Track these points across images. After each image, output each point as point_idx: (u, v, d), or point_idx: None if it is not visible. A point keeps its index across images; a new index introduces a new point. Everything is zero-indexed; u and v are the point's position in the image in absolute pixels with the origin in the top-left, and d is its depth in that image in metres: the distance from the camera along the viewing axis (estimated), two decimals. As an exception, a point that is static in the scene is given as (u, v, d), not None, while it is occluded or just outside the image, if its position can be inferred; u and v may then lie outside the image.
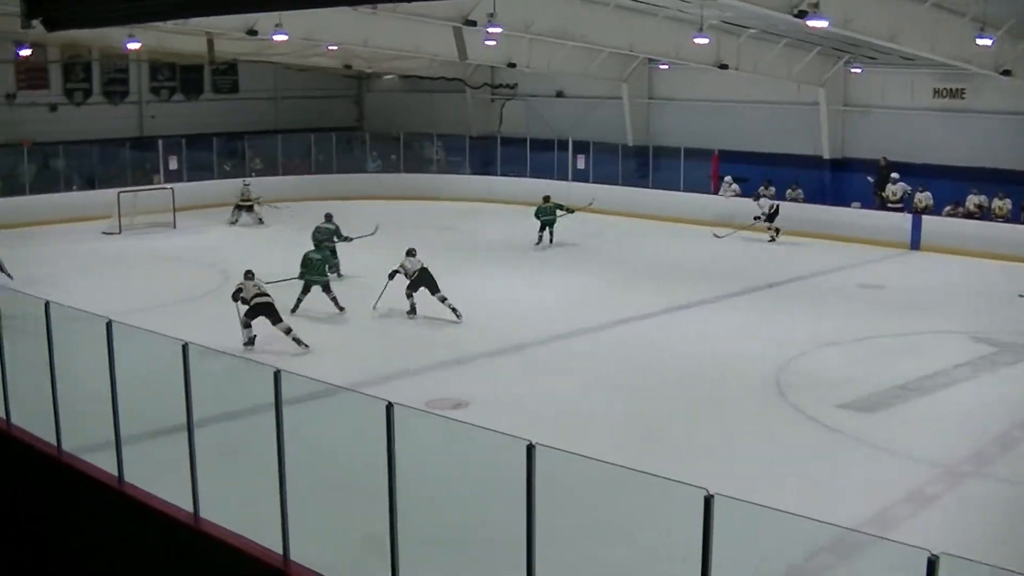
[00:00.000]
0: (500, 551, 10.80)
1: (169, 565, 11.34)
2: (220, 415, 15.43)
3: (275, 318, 22.26)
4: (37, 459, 13.10)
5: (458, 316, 24.41)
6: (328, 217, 30.48)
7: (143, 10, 18.44)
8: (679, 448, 16.35)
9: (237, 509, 11.44)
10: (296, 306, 24.88)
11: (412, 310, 25.05)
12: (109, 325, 11.69)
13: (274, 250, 31.76)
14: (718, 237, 35.58)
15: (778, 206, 36.22)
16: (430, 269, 24.81)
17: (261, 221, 39.17)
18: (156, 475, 11.96)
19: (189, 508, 10.84)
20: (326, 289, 25.39)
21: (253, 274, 22.76)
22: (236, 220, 39.13)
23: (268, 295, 22.50)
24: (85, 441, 13.04)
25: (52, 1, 18.09)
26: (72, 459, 12.75)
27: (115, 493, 11.79)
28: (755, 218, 35.79)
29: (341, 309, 25.31)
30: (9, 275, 26.09)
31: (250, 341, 22.22)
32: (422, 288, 24.63)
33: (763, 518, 7.75)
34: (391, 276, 25.10)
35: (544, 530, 8.13)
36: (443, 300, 24.63)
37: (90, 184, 42.17)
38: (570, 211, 35.00)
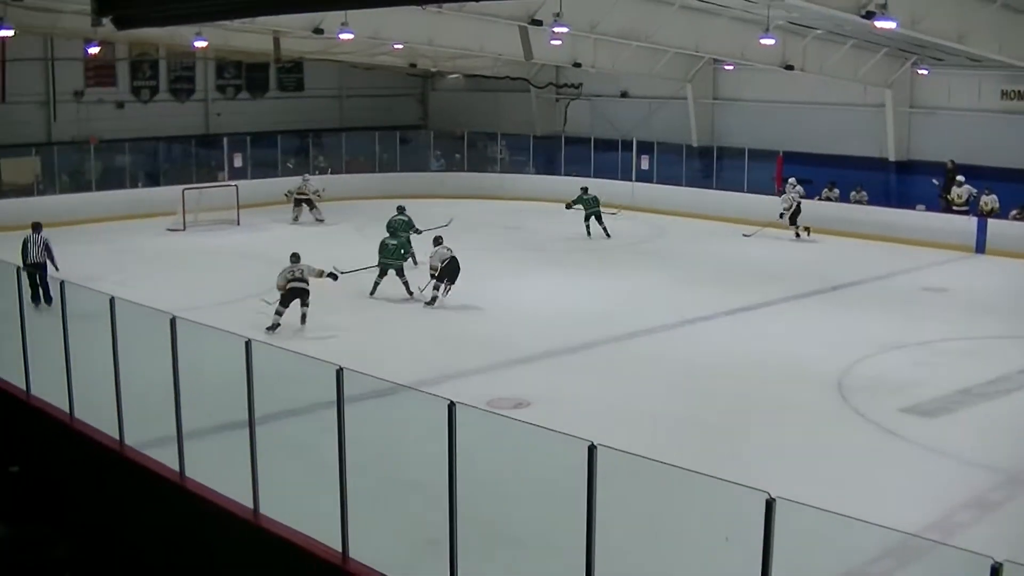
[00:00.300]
0: (559, 551, 10.77)
1: (229, 561, 11.39)
2: (282, 412, 15.52)
3: (305, 302, 23.45)
4: (100, 453, 13.19)
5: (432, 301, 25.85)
6: (401, 209, 31.15)
7: (213, 8, 18.56)
8: (740, 450, 16.25)
9: (297, 506, 11.47)
10: (373, 289, 26.73)
11: (433, 300, 25.87)
12: (173, 321, 11.76)
13: (335, 247, 31.88)
14: (746, 236, 35.73)
15: (798, 204, 36.28)
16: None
17: (321, 220, 39.18)
18: (217, 471, 12.01)
19: (249, 504, 10.88)
20: (399, 273, 26.69)
21: (299, 257, 23.96)
22: (297, 217, 39.18)
23: (304, 281, 23.49)
24: (147, 436, 13.12)
25: (123, 0, 18.25)
26: (135, 454, 12.83)
27: (176, 488, 11.85)
28: (780, 215, 35.81)
29: (411, 294, 26.28)
30: (56, 267, 26.24)
31: (274, 327, 23.08)
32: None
33: (824, 522, 7.68)
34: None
35: (603, 531, 8.09)
36: (447, 292, 25.85)
37: (155, 181, 42.52)
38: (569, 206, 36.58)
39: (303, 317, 23.38)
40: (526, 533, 13.03)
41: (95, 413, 13.75)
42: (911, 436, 17.22)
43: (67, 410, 14.07)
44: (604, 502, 8.03)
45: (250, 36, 37.68)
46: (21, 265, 23.88)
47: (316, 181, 40.95)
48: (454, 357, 21.48)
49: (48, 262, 25.11)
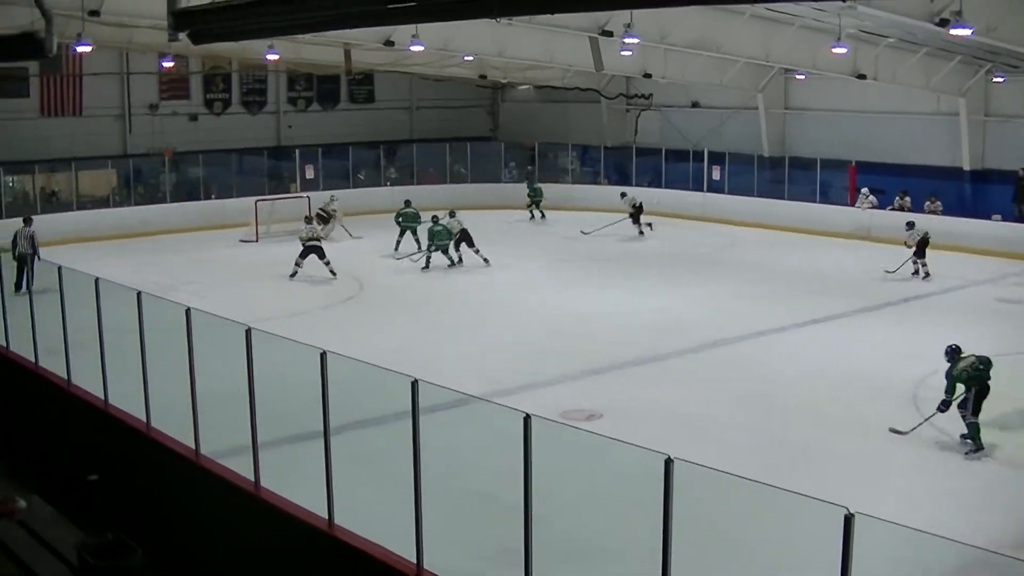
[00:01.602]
0: (633, 565, 10.76)
1: (303, 571, 11.45)
2: (355, 422, 15.61)
3: (321, 256, 30.64)
4: (176, 462, 13.31)
5: (486, 262, 32.10)
6: (408, 203, 35.58)
7: (286, 23, 18.79)
8: (814, 464, 16.13)
9: (370, 516, 11.51)
10: (427, 264, 32.24)
11: (454, 262, 32.47)
12: (248, 332, 11.85)
13: (405, 262, 32.04)
14: (585, 233, 38.30)
15: (641, 203, 38.84)
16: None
17: (351, 235, 38.94)
18: (292, 481, 12.08)
19: (324, 514, 10.93)
20: (444, 251, 32.01)
21: (311, 220, 32.89)
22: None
23: (318, 240, 31.37)
24: (223, 446, 13.23)
25: (199, 15, 18.48)
26: (210, 463, 12.93)
27: (251, 498, 11.93)
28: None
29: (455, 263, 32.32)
30: (39, 257, 26.72)
31: (294, 274, 30.74)
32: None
33: (902, 537, 7.62)
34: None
35: (678, 544, 8.07)
36: (476, 252, 32.37)
37: (228, 193, 42.89)
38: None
39: (330, 271, 30.58)
40: (599, 546, 13.02)
41: (171, 422, 13.88)
42: (989, 450, 17.01)
43: (144, 419, 14.21)
44: (678, 515, 8.01)
45: (321, 49, 37.98)
46: (11, 255, 25.02)
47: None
48: (525, 368, 21.49)
49: (34, 253, 26.79)
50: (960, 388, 17.00)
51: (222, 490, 12.47)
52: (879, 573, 9.45)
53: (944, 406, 17.14)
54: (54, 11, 19.51)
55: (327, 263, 30.60)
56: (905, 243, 31.47)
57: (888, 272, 31.05)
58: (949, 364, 17.20)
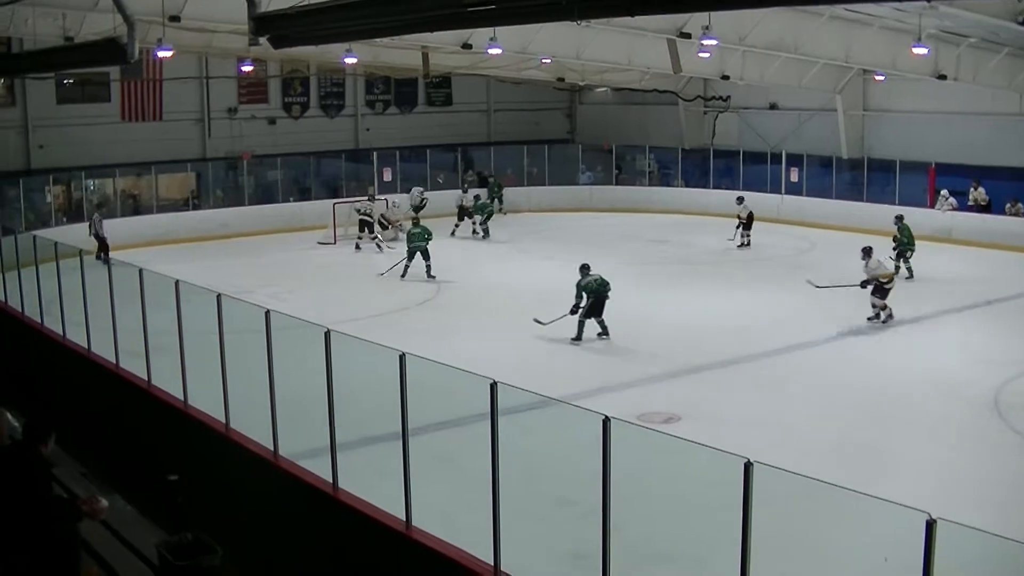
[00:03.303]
0: (711, 570, 10.70)
1: (380, 572, 11.47)
2: (433, 424, 15.64)
3: (362, 229, 36.74)
4: (254, 463, 13.38)
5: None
6: (477, 197, 37.48)
7: (365, 27, 18.87)
8: (893, 469, 16.00)
9: (449, 518, 11.53)
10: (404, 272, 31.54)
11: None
12: (327, 334, 11.90)
13: (483, 260, 32.08)
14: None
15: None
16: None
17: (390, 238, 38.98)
18: (370, 482, 12.11)
19: (402, 516, 10.95)
20: (424, 254, 31.34)
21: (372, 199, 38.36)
22: (362, 239, 38.25)
23: (368, 215, 36.96)
24: (301, 447, 13.29)
25: (279, 20, 18.62)
26: (288, 464, 12.99)
27: (330, 499, 11.97)
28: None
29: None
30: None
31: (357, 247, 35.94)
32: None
33: (985, 544, 7.52)
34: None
35: (756, 549, 7.99)
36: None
37: (306, 195, 43.18)
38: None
39: (376, 245, 35.81)
40: (677, 550, 12.97)
41: (250, 423, 13.96)
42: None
43: (223, 420, 14.31)
44: (757, 519, 7.94)
45: (399, 52, 38.13)
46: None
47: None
48: (602, 371, 21.48)
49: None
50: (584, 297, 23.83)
51: (300, 491, 12.52)
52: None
53: (574, 310, 23.95)
54: (136, 17, 19.76)
55: (374, 237, 36.13)
56: (738, 216, 37.17)
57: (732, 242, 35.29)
58: (580, 277, 24.09)
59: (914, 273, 30.99)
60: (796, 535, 12.39)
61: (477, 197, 39.42)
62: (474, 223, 40.19)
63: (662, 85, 46.18)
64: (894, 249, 30.86)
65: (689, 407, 18.90)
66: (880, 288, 25.45)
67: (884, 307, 25.26)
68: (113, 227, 36.45)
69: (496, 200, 43.60)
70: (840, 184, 42.16)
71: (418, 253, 31.15)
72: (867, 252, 26.01)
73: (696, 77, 45.05)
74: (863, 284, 25.70)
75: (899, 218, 31.78)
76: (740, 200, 38.12)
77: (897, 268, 29.96)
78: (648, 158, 49.19)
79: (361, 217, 38.16)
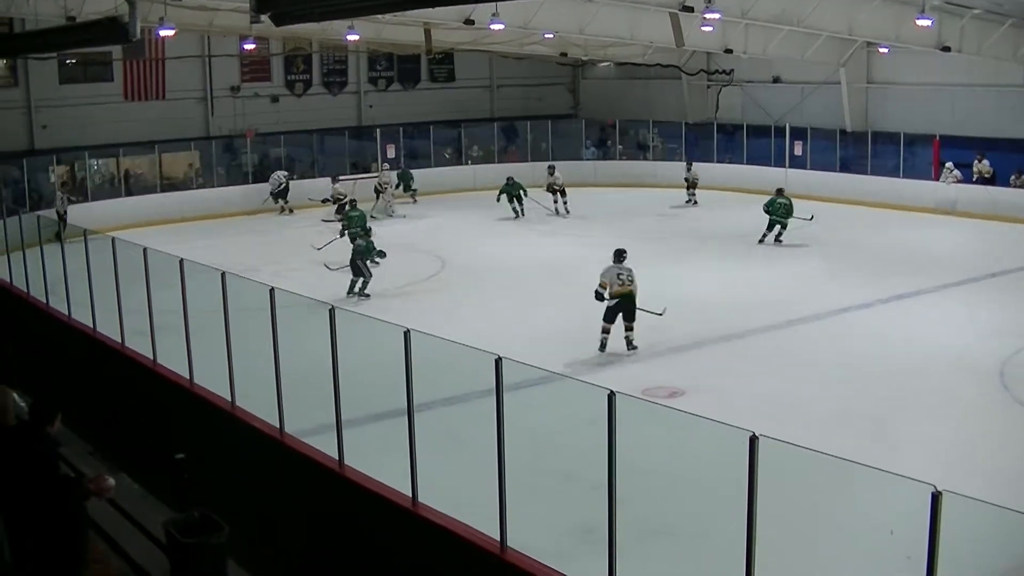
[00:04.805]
0: (715, 543, 10.71)
1: (387, 549, 11.49)
2: (438, 400, 15.67)
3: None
4: (261, 441, 13.40)
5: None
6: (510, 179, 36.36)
7: (367, 4, 18.85)
8: (898, 441, 16.00)
9: (455, 494, 11.54)
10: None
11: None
12: (332, 311, 11.90)
13: (487, 236, 32.08)
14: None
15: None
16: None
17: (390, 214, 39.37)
18: (376, 459, 12.13)
19: (408, 492, 10.96)
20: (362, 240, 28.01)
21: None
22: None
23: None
24: (307, 424, 13.30)
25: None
26: (294, 442, 13.01)
27: (335, 476, 11.99)
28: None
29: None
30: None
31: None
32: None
33: (990, 515, 7.52)
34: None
35: (761, 522, 8.00)
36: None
37: (310, 173, 43.19)
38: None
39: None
40: (682, 524, 12.99)
41: (256, 402, 13.98)
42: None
43: (229, 398, 14.33)
44: (762, 493, 7.94)
45: (401, 29, 38.05)
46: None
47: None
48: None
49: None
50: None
51: (306, 468, 12.54)
52: (966, 551, 9.32)
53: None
54: (137, -4, 19.74)
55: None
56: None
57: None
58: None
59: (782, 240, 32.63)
60: (801, 509, 12.41)
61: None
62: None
63: (665, 59, 46.11)
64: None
65: (693, 381, 18.90)
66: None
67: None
68: (118, 206, 36.54)
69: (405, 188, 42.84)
70: (844, 157, 42.11)
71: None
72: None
73: (699, 51, 45.00)
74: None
75: (779, 191, 33.33)
76: (689, 166, 41.44)
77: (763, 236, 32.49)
78: (651, 132, 49.14)
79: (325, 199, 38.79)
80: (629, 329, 21.41)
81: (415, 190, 42.42)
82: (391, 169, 41.22)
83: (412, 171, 43.24)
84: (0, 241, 24.39)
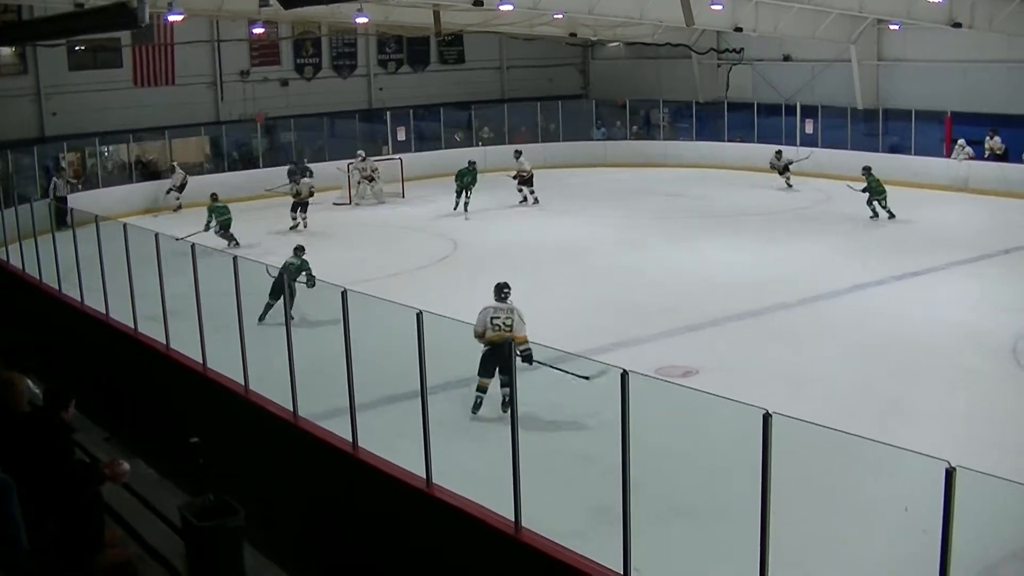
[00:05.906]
0: (731, 521, 10.70)
1: (402, 530, 11.50)
2: (451, 382, 15.68)
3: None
4: (275, 424, 13.42)
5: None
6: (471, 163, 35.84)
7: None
8: (915, 418, 15.98)
9: (469, 475, 11.54)
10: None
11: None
12: (344, 294, 11.89)
13: (499, 217, 32.04)
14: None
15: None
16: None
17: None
18: (390, 441, 12.13)
19: (422, 474, 10.96)
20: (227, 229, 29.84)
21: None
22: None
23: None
24: (320, 408, 13.31)
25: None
26: (308, 425, 13.01)
27: (350, 459, 11.99)
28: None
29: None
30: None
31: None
32: None
33: (1005, 491, 7.50)
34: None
35: (777, 501, 7.97)
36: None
37: (321, 156, 43.16)
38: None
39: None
40: (697, 503, 12.97)
41: (269, 385, 13.99)
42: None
43: (242, 382, 14.34)
44: (777, 471, 7.92)
45: (410, 11, 37.97)
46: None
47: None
48: (620, 325, 21.40)
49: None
50: None
51: (320, 451, 12.55)
52: (980, 527, 9.30)
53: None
54: (146, -19, 19.71)
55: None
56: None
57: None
58: None
59: (894, 214, 32.11)
60: (816, 486, 12.39)
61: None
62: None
63: (675, 38, 46.02)
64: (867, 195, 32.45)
65: (707, 360, 18.83)
66: None
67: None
68: (128, 192, 36.57)
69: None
70: (855, 135, 41.92)
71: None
72: None
73: (709, 30, 44.89)
74: None
75: (867, 169, 32.79)
76: (779, 153, 40.28)
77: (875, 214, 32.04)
78: (662, 112, 49.04)
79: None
80: (505, 385, 14.67)
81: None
82: (368, 158, 40.00)
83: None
84: (12, 228, 24.44)
